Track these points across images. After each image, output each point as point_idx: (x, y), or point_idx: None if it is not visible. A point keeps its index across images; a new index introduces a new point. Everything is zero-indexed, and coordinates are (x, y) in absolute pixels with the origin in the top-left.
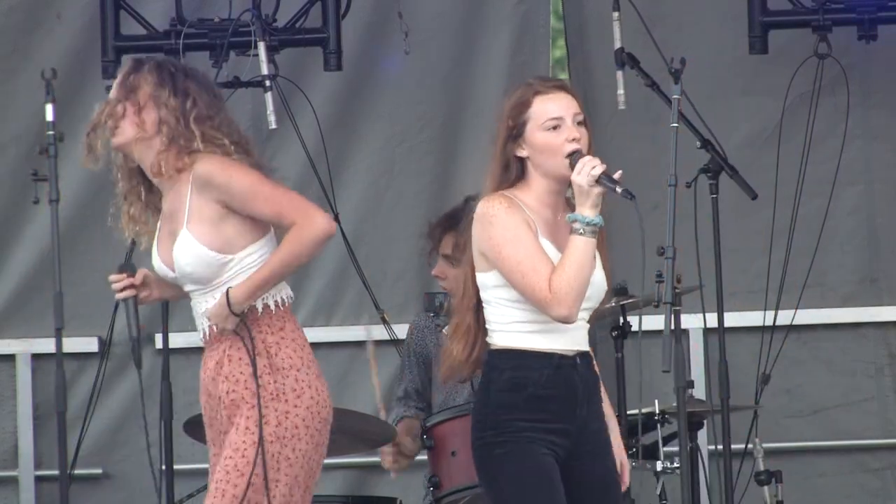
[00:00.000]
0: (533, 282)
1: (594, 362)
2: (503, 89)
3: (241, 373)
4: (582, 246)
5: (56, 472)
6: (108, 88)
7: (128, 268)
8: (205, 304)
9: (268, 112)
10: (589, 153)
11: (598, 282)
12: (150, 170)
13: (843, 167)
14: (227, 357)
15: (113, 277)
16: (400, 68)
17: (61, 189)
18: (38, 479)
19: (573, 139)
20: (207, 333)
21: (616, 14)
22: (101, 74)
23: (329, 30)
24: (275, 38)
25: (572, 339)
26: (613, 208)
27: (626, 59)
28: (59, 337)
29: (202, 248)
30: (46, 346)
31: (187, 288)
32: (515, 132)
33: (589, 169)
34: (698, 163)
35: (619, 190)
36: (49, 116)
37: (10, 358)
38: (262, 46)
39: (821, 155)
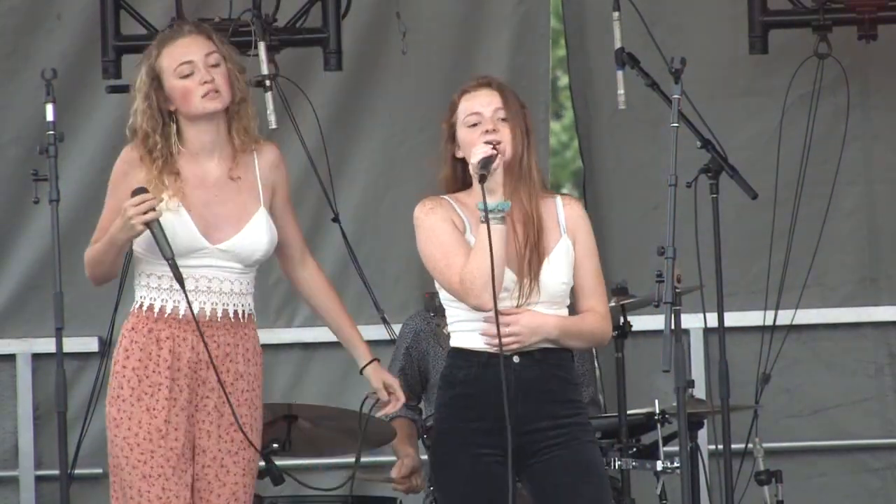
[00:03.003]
0: (447, 277)
1: (559, 361)
2: None
3: (250, 373)
4: (483, 234)
5: (56, 472)
6: (109, 88)
7: (142, 192)
8: (230, 285)
9: (268, 112)
10: (514, 149)
11: (550, 281)
12: (218, 141)
13: (843, 167)
14: (239, 355)
15: (140, 197)
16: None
17: (61, 189)
18: (38, 479)
19: (489, 131)
20: (226, 314)
21: (616, 14)
22: (101, 74)
23: (329, 30)
24: (275, 37)
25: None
26: (613, 209)
27: (626, 59)
28: (59, 337)
29: (275, 231)
30: (46, 346)
31: (214, 262)
32: (450, 133)
33: (474, 154)
34: (698, 163)
35: (478, 174)
36: (49, 116)
37: (11, 358)
38: (262, 46)
39: (821, 155)
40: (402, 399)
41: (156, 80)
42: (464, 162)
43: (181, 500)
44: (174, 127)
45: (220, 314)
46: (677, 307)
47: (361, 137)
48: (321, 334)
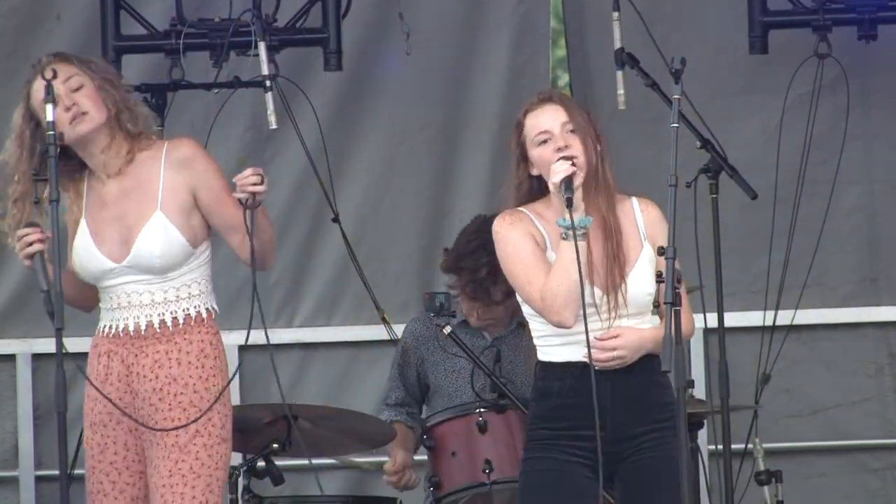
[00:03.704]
0: (529, 293)
1: (653, 367)
2: (503, 90)
3: (191, 376)
4: (565, 250)
5: (56, 472)
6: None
7: (29, 225)
8: (150, 296)
9: (268, 112)
10: (588, 159)
11: (636, 293)
12: (112, 156)
13: (843, 167)
14: (172, 360)
15: (25, 230)
16: (400, 68)
17: (61, 189)
18: (38, 479)
19: (561, 148)
20: (145, 327)
21: (616, 14)
22: None
23: (329, 30)
24: (275, 38)
25: None
26: None
27: (626, 59)
28: (59, 337)
29: (176, 234)
30: (46, 346)
31: (129, 278)
32: (521, 153)
33: (553, 174)
34: (698, 163)
35: (564, 197)
36: (49, 116)
37: (11, 358)
38: (262, 46)
39: (821, 155)
40: (255, 178)
41: (33, 119)
42: (540, 178)
43: None
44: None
45: (143, 326)
46: (677, 307)
47: (361, 137)
48: (321, 334)
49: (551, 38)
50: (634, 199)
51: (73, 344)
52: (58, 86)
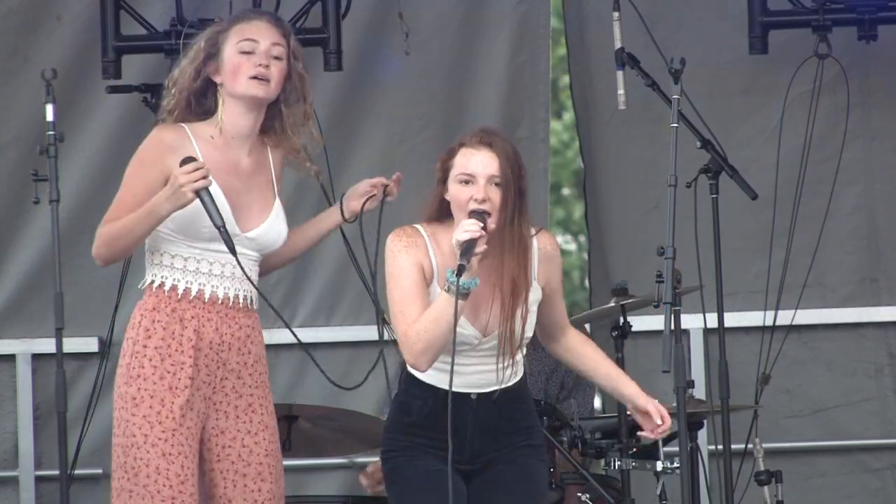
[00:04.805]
0: (398, 322)
1: (518, 395)
2: (503, 90)
3: (264, 356)
4: (442, 302)
5: (56, 472)
6: (109, 88)
7: (191, 160)
8: (250, 273)
9: None
10: (501, 215)
11: (522, 337)
12: (247, 131)
13: (843, 167)
14: (255, 339)
15: (195, 164)
16: (398, 70)
17: (61, 189)
18: (38, 479)
19: (478, 199)
20: (241, 300)
21: (616, 14)
22: (101, 74)
23: (329, 30)
24: None
25: (467, 381)
26: (613, 209)
27: (626, 59)
28: (59, 337)
29: (285, 225)
30: (46, 346)
31: (240, 250)
32: (443, 176)
33: (461, 231)
34: (698, 163)
35: (458, 262)
36: (49, 117)
37: (11, 358)
38: None
39: (821, 155)
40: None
41: (214, 47)
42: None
43: (195, 479)
44: (221, 100)
45: (241, 300)
46: (677, 307)
47: (361, 137)
48: (321, 334)
49: (551, 38)
50: (534, 237)
51: (73, 344)
52: (263, 43)
